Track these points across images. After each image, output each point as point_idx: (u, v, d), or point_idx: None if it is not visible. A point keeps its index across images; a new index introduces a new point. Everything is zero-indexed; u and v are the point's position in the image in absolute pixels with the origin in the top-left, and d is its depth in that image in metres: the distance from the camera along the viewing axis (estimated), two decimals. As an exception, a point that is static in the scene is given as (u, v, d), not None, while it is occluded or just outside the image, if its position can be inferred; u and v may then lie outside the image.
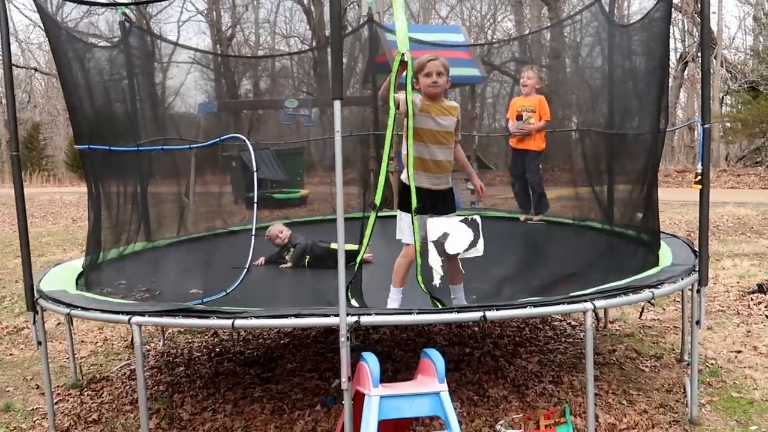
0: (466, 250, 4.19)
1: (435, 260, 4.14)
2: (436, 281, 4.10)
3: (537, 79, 7.89)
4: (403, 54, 3.96)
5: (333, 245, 5.85)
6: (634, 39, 5.78)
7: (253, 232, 5.31)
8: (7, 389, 5.51)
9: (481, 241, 4.19)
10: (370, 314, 3.70)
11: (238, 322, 3.67)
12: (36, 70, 40.67)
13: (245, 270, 5.09)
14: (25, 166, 36.08)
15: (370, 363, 3.43)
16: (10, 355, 6.37)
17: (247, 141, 5.93)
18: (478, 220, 4.23)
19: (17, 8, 41.10)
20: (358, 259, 4.27)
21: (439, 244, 4.17)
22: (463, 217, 4.28)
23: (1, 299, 8.51)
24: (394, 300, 4.50)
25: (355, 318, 3.56)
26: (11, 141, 4.47)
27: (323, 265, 6.00)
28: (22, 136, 39.92)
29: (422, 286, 4.12)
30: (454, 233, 4.19)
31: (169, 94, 10.61)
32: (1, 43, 4.39)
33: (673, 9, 27.77)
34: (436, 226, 4.22)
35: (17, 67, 38.71)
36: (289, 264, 6.31)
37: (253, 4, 34.71)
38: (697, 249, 4.46)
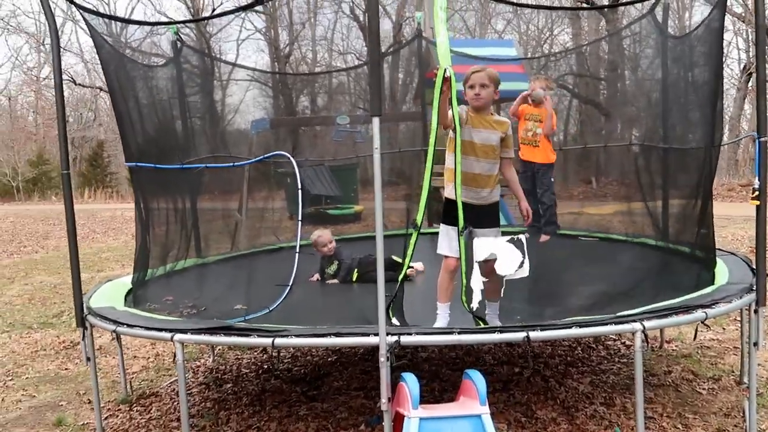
0: (516, 271, 4.09)
1: (477, 281, 4.06)
2: (475, 304, 4.02)
3: (544, 87, 7.55)
4: (445, 70, 3.91)
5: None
6: (687, 50, 5.62)
7: (297, 249, 5.30)
8: (60, 403, 5.60)
9: (527, 262, 4.09)
10: (411, 334, 3.64)
11: (278, 341, 3.66)
12: (101, 89, 41.81)
13: (288, 287, 5.08)
14: (90, 182, 37.15)
15: (410, 384, 3.37)
16: (66, 369, 6.48)
17: (291, 158, 5.94)
18: (524, 239, 4.14)
19: (83, 30, 42.28)
20: (400, 277, 4.21)
21: (484, 264, 4.09)
22: (509, 237, 4.18)
23: (60, 313, 8.70)
24: (442, 317, 4.43)
25: (395, 338, 3.50)
26: (61, 160, 4.57)
27: (372, 278, 5.98)
28: (87, 154, 41.16)
29: (465, 305, 4.05)
30: (502, 254, 4.10)
31: (228, 111, 10.75)
32: (54, 66, 4.51)
33: (737, 19, 27.04)
34: (483, 245, 4.13)
35: (83, 86, 39.96)
36: (336, 281, 6.29)
37: (310, 21, 35.14)
38: (755, 267, 4.29)
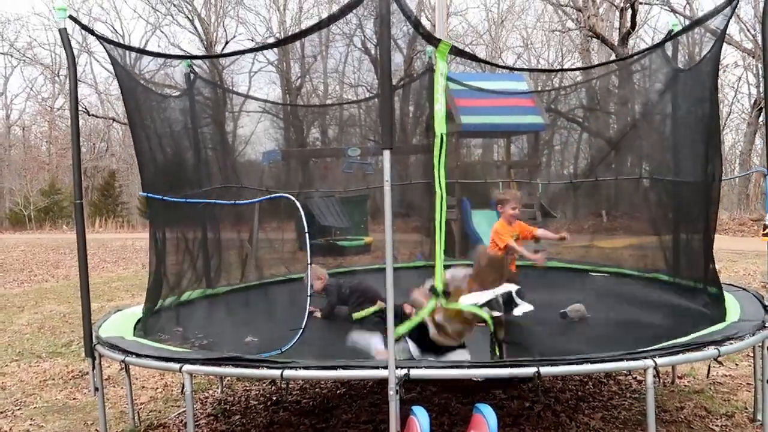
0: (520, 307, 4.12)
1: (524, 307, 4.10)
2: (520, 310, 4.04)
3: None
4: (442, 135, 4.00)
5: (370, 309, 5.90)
6: (693, 84, 5.65)
7: (309, 293, 5.32)
8: (68, 434, 5.58)
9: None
10: (420, 367, 3.62)
11: (287, 373, 3.65)
12: (114, 120, 42.28)
13: (301, 331, 5.08)
14: (101, 212, 37.37)
15: (420, 418, 3.36)
16: (74, 399, 6.46)
17: (295, 200, 5.96)
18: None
19: (98, 61, 42.96)
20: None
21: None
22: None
23: (69, 343, 8.70)
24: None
25: (404, 371, 3.49)
26: (74, 190, 4.61)
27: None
28: (99, 183, 41.46)
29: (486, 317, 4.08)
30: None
31: (239, 143, 10.82)
32: (71, 96, 4.57)
33: (747, 54, 27.08)
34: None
35: (96, 117, 40.36)
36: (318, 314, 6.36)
37: (322, 54, 35.47)
38: (767, 303, 4.26)
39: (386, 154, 3.39)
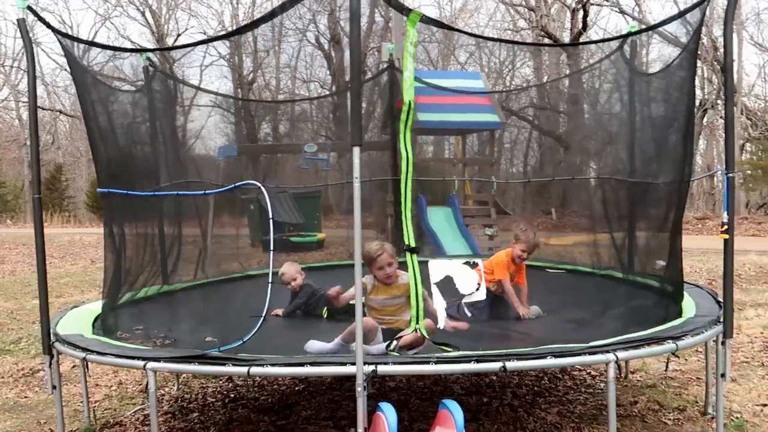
0: (471, 294, 4.17)
1: (440, 303, 4.12)
2: (441, 324, 4.07)
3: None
4: (409, 102, 4.02)
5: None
6: (657, 87, 5.77)
7: (270, 280, 5.27)
8: (21, 433, 5.46)
9: (483, 285, 4.17)
10: (388, 363, 3.64)
11: (254, 370, 3.63)
12: (61, 112, 41.37)
13: (262, 319, 5.04)
14: (47, 206, 36.49)
15: (388, 414, 3.37)
16: (25, 398, 6.33)
17: (262, 187, 5.92)
18: (481, 263, 4.23)
19: (45, 52, 42.05)
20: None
21: (443, 285, 4.15)
22: (465, 260, 4.27)
23: (17, 340, 8.50)
24: None
25: (372, 367, 3.50)
26: (33, 184, 4.51)
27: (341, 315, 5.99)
28: (44, 177, 40.52)
29: (424, 332, 4.09)
30: (458, 276, 4.17)
31: (190, 137, 10.70)
32: (29, 89, 4.47)
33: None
34: (439, 268, 4.20)
35: (42, 109, 39.43)
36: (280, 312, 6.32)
37: (274, 49, 35.24)
38: (721, 299, 4.38)
39: (356, 150, 3.39)
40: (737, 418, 5.15)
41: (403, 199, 4.17)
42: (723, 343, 4.23)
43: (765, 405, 5.42)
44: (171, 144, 7.18)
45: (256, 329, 4.96)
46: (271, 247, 5.51)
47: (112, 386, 6.56)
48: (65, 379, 6.58)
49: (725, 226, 4.01)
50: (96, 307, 5.71)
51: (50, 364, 4.53)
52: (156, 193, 6.06)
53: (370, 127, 14.08)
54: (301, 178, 14.84)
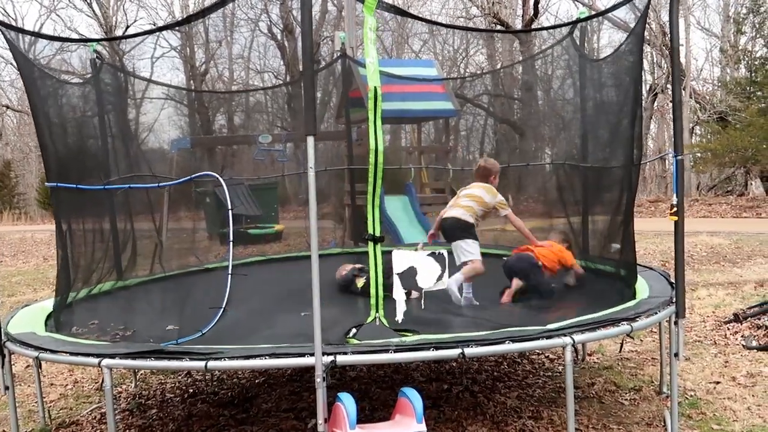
0: (434, 284, 4.18)
1: (399, 294, 4.12)
2: (399, 316, 4.07)
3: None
4: (375, 89, 3.98)
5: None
6: (606, 72, 5.83)
7: (230, 271, 5.22)
8: (-27, 436, 5.35)
9: (446, 275, 4.19)
10: (347, 353, 3.63)
11: (212, 364, 3.59)
12: (8, 107, 40.37)
13: (221, 310, 4.99)
14: (-4, 203, 35.71)
15: (347, 404, 3.36)
16: (-23, 400, 6.19)
17: (220, 178, 5.86)
18: (446, 254, 4.24)
19: (-12, 47, 40.87)
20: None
21: (405, 276, 4.15)
22: (430, 251, 4.28)
23: (-32, 341, 8.30)
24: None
25: (331, 358, 3.49)
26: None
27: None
28: (-8, 173, 39.60)
29: (384, 320, 4.09)
30: (421, 267, 4.18)
31: (142, 130, 10.53)
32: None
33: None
34: (403, 259, 4.21)
35: (-13, 104, 38.48)
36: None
37: (226, 40, 34.85)
38: (673, 281, 4.46)
39: (310, 140, 3.37)
40: (691, 396, 5.26)
41: (371, 188, 4.14)
42: (676, 323, 4.30)
43: (718, 382, 5.54)
44: (122, 137, 7.05)
45: (215, 321, 4.91)
46: (230, 238, 5.46)
47: (67, 385, 6.45)
48: (19, 380, 6.45)
49: (674, 208, 4.07)
50: (49, 304, 5.60)
51: (2, 364, 4.43)
52: (107, 186, 5.94)
53: (326, 117, 14.03)
54: (258, 169, 14.72)
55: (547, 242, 6.06)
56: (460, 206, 5.92)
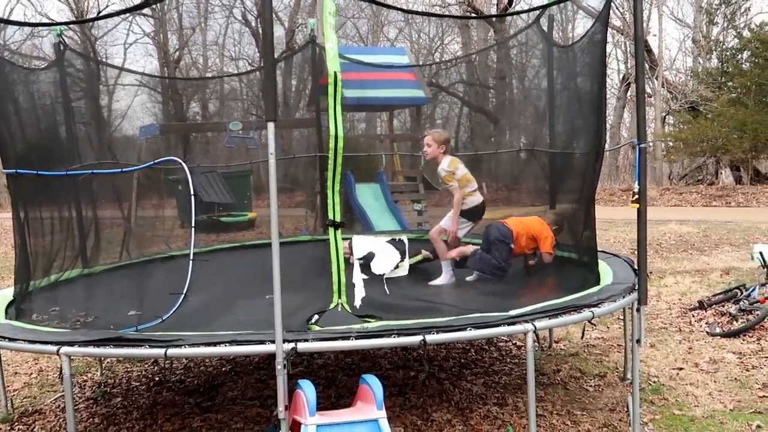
0: (392, 270, 4.18)
1: (358, 278, 4.12)
2: (357, 302, 4.07)
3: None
4: (335, 74, 3.96)
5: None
6: (572, 60, 5.84)
7: (191, 257, 5.18)
8: (-67, 425, 5.26)
9: (406, 261, 4.19)
10: (308, 340, 3.61)
11: (171, 351, 3.56)
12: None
13: (183, 296, 4.95)
14: (-36, 191, 35.14)
15: (306, 391, 3.35)
16: (-62, 390, 6.09)
17: (183, 163, 5.79)
18: (405, 240, 4.24)
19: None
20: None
21: (365, 262, 4.15)
22: (389, 237, 4.27)
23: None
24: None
25: (291, 345, 3.47)
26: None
27: None
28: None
29: (346, 306, 4.08)
30: (381, 253, 4.18)
31: (115, 117, 10.41)
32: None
33: (616, 32, 28.27)
34: (362, 244, 4.20)
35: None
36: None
37: (201, 26, 34.50)
38: (636, 267, 4.48)
39: (270, 126, 3.33)
40: (655, 382, 5.32)
41: (331, 174, 4.14)
42: (638, 310, 4.33)
43: (681, 369, 5.60)
44: (88, 124, 6.96)
45: (175, 307, 4.88)
46: (193, 224, 5.42)
47: (32, 374, 6.38)
48: (-19, 369, 6.37)
49: (636, 196, 4.09)
50: (9, 292, 5.52)
51: (-38, 353, 4.37)
52: (68, 172, 5.84)
53: (301, 105, 13.94)
54: (233, 157, 14.60)
55: (534, 217, 6.10)
56: None
